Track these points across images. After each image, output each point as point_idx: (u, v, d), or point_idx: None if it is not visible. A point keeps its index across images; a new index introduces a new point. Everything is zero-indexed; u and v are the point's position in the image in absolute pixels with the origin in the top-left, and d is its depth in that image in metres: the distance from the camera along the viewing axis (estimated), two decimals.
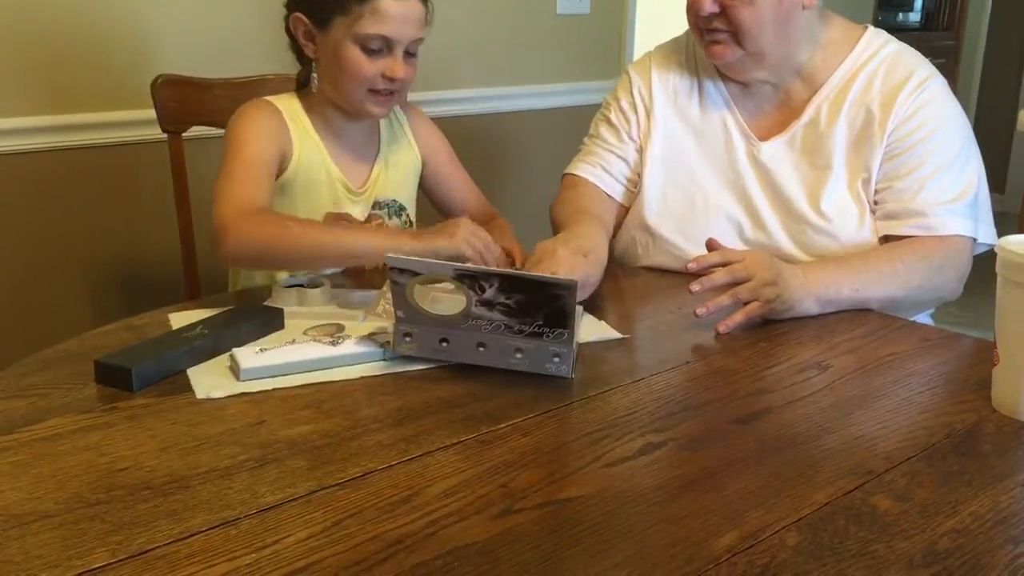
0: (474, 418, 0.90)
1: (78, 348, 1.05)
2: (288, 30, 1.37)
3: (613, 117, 1.46)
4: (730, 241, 1.31)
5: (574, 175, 1.47)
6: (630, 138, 1.44)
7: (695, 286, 1.13)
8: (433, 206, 1.55)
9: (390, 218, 1.45)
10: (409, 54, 1.32)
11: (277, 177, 1.35)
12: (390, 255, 0.97)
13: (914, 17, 4.57)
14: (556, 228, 1.39)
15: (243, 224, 1.21)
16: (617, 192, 1.44)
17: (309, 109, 1.39)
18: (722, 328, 1.14)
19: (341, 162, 1.40)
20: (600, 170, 1.44)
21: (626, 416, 0.91)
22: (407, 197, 1.48)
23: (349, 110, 1.37)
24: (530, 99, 2.47)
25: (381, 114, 1.38)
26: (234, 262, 1.24)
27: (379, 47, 1.29)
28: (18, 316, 1.77)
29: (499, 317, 0.97)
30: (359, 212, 1.41)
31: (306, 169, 1.36)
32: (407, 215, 1.48)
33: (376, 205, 1.43)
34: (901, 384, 1.01)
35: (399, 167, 1.47)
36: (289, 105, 1.38)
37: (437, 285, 1.05)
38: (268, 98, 1.39)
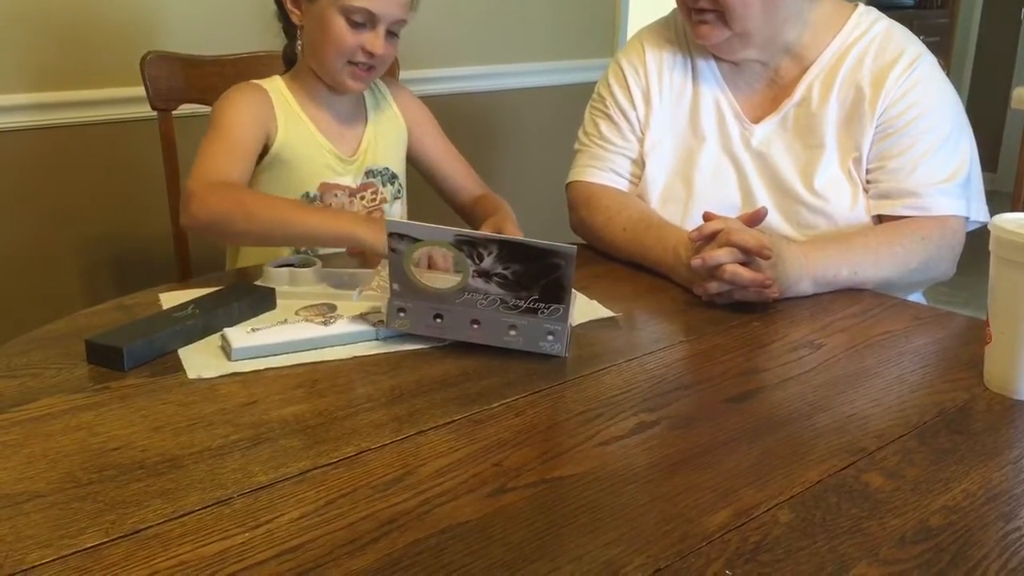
0: (467, 397, 0.90)
1: (69, 328, 1.05)
2: None
3: (614, 113, 1.42)
4: None
5: (588, 183, 1.42)
6: (633, 134, 1.41)
7: (696, 261, 1.13)
8: (423, 178, 1.54)
9: (384, 186, 1.45)
10: (391, 33, 1.34)
11: (263, 156, 1.36)
12: (390, 219, 0.98)
13: None
14: (619, 247, 1.34)
15: (207, 194, 1.23)
16: (629, 191, 1.42)
17: (294, 86, 1.41)
18: (718, 300, 1.14)
19: (329, 133, 1.41)
20: (613, 174, 1.41)
21: (619, 395, 0.92)
22: (397, 165, 1.49)
23: (328, 81, 1.39)
24: (525, 77, 2.45)
25: (357, 88, 1.39)
26: (193, 231, 1.26)
27: (363, 21, 1.31)
28: (8, 296, 1.76)
29: (495, 290, 0.97)
30: (351, 180, 1.42)
31: (293, 144, 1.37)
32: (399, 183, 1.48)
33: (369, 173, 1.44)
34: (893, 363, 1.01)
35: (386, 135, 1.48)
36: (273, 85, 1.40)
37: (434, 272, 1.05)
38: (254, 81, 1.40)
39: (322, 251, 1.35)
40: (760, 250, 1.11)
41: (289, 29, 1.41)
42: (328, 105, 1.42)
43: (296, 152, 1.37)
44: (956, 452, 0.82)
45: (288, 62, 1.45)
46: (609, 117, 1.43)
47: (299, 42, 1.39)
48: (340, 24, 1.31)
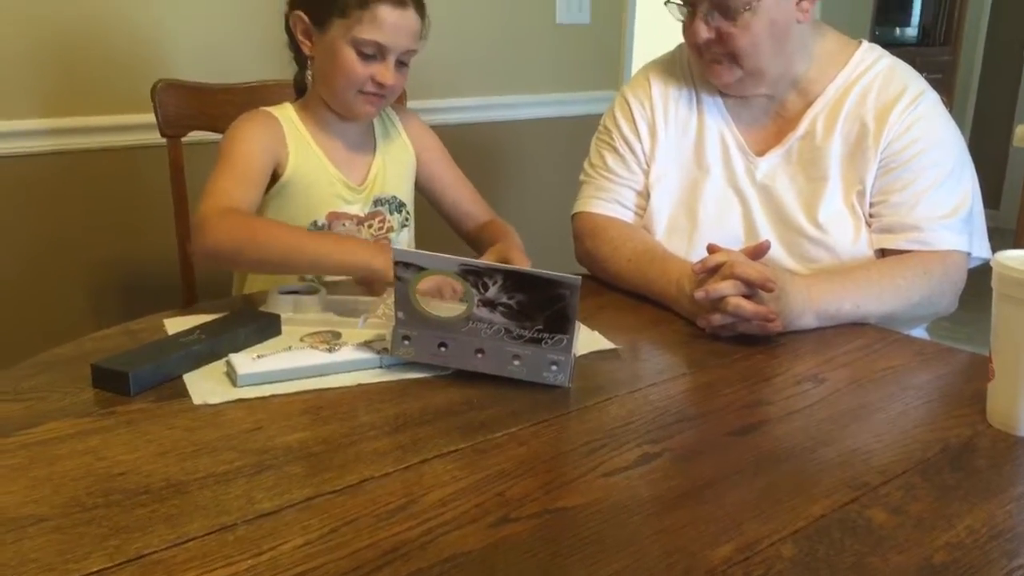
0: (471, 426, 0.90)
1: (76, 352, 1.05)
2: (288, 28, 1.39)
3: (619, 146, 1.43)
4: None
5: (593, 214, 1.42)
6: (638, 166, 1.42)
7: (699, 293, 1.14)
8: (431, 205, 1.55)
9: (391, 214, 1.47)
10: (401, 63, 1.36)
11: (273, 183, 1.37)
12: (396, 248, 0.99)
13: (911, 32, 4.60)
14: (623, 277, 1.34)
15: (219, 222, 1.23)
16: (634, 222, 1.42)
17: (304, 114, 1.42)
18: (721, 333, 1.14)
19: (339, 161, 1.42)
20: (618, 205, 1.42)
21: (623, 426, 0.92)
22: (405, 194, 1.50)
23: (339, 110, 1.41)
24: (530, 108, 2.47)
25: (369, 114, 1.41)
26: (205, 259, 1.25)
27: (373, 52, 1.33)
28: (16, 319, 1.76)
29: (499, 319, 0.98)
30: (359, 209, 1.43)
31: (304, 173, 1.38)
32: (407, 211, 1.49)
33: (377, 202, 1.45)
34: (896, 398, 1.01)
35: (395, 163, 1.49)
36: (284, 113, 1.41)
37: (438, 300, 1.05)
38: (265, 108, 1.41)
39: (328, 278, 1.36)
40: (763, 283, 1.12)
41: (300, 58, 1.43)
42: (338, 133, 1.43)
43: (306, 180, 1.38)
44: (959, 489, 0.81)
45: (299, 90, 1.47)
46: (615, 149, 1.44)
47: (309, 72, 1.41)
48: (350, 56, 1.32)
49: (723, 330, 1.15)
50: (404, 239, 1.50)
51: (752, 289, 1.12)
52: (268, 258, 1.24)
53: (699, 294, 1.14)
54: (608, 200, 1.43)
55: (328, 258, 1.23)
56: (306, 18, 1.35)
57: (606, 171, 1.44)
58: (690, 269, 1.21)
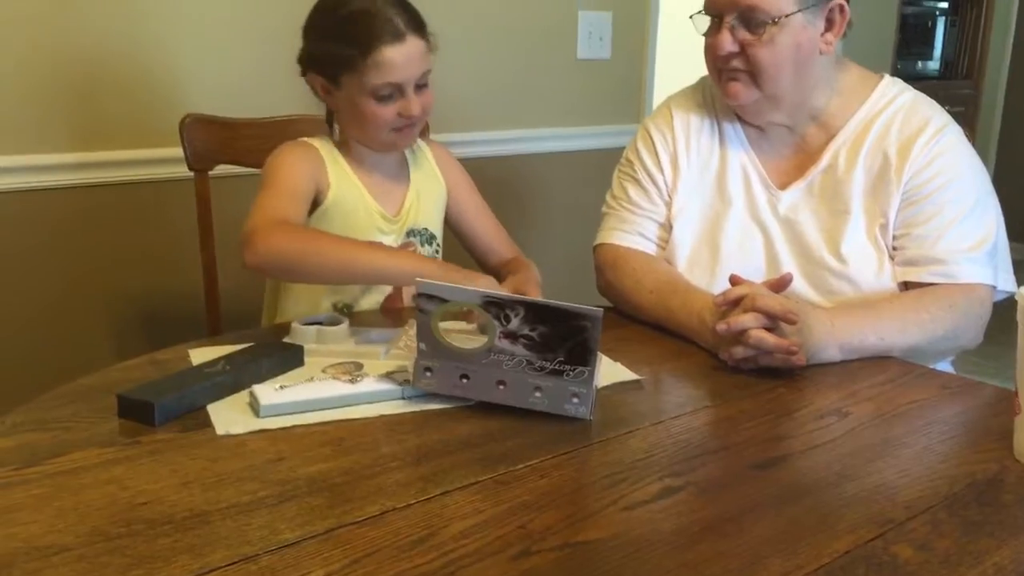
0: (492, 458, 0.90)
1: (101, 382, 1.06)
2: (306, 80, 1.42)
3: (642, 178, 1.44)
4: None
5: (616, 245, 1.43)
6: (660, 198, 1.43)
7: (722, 326, 1.13)
8: (456, 239, 1.56)
9: (422, 246, 1.48)
10: (420, 86, 1.37)
11: (313, 209, 1.39)
12: (420, 280, 0.99)
13: (933, 66, 4.59)
14: (645, 309, 1.34)
15: (273, 231, 1.25)
16: (656, 254, 1.43)
17: (341, 147, 1.45)
18: (726, 358, 1.14)
19: (376, 193, 1.44)
20: (640, 237, 1.43)
21: (644, 459, 0.91)
22: (436, 226, 1.52)
23: (376, 149, 1.43)
24: (551, 142, 2.49)
25: (406, 144, 1.44)
26: (259, 268, 1.25)
27: (390, 92, 1.34)
28: (43, 350, 1.79)
29: (521, 351, 0.98)
30: (393, 240, 1.44)
31: (343, 201, 1.40)
32: (436, 243, 1.50)
33: (409, 233, 1.46)
34: (921, 432, 1.00)
35: (428, 195, 1.50)
36: (323, 144, 1.43)
37: (460, 325, 1.06)
38: (302, 139, 1.44)
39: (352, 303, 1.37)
40: (785, 315, 1.11)
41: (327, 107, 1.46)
42: (374, 165, 1.45)
43: (346, 210, 1.40)
44: (986, 525, 0.80)
45: (330, 123, 1.48)
46: (637, 181, 1.45)
47: (335, 125, 1.44)
48: (371, 104, 1.34)
49: (745, 363, 1.15)
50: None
51: (774, 322, 1.12)
52: (326, 264, 1.24)
53: (721, 327, 1.14)
54: (630, 232, 1.43)
55: (384, 267, 1.25)
56: (319, 77, 1.39)
57: (628, 203, 1.45)
58: (712, 302, 1.21)
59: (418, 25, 1.35)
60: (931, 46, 4.54)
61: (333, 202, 1.39)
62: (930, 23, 4.48)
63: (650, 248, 1.43)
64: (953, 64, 4.71)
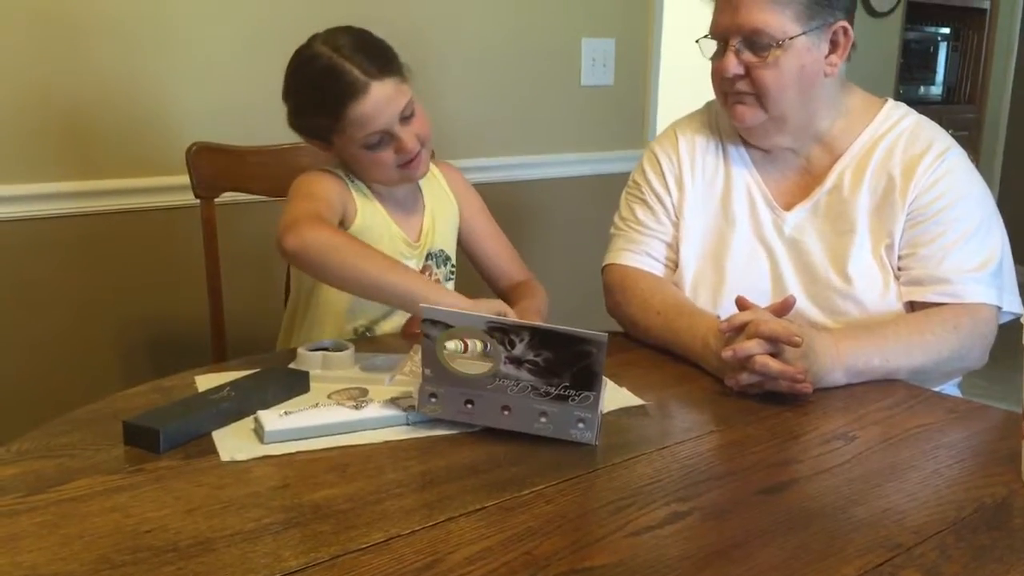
0: (498, 484, 0.90)
1: (107, 409, 1.06)
2: None
3: (649, 199, 1.45)
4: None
5: (624, 266, 1.44)
6: (668, 218, 1.44)
7: (727, 353, 1.13)
8: (468, 260, 1.57)
9: (438, 267, 1.49)
10: (406, 118, 1.35)
11: None
12: (425, 305, 0.99)
13: (936, 90, 4.61)
14: (652, 330, 1.35)
15: (320, 223, 1.25)
16: (664, 275, 1.43)
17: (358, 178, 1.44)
18: (732, 384, 1.14)
19: (398, 219, 1.45)
20: (648, 257, 1.43)
21: (651, 484, 0.91)
22: (450, 247, 1.52)
23: (391, 186, 1.44)
24: (556, 168, 2.50)
25: (419, 176, 1.44)
26: (296, 254, 1.23)
27: (379, 139, 1.35)
28: (48, 377, 1.79)
29: (526, 377, 0.98)
30: (415, 264, 1.45)
31: (370, 227, 1.41)
32: (451, 264, 1.51)
33: (427, 256, 1.47)
34: (929, 456, 1.00)
35: (443, 217, 1.51)
36: (344, 172, 1.43)
37: (465, 352, 1.06)
38: (324, 167, 1.44)
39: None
40: (789, 338, 1.11)
41: None
42: (390, 194, 1.45)
43: (371, 235, 1.40)
44: (995, 549, 0.80)
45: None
46: (644, 202, 1.46)
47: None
48: (366, 153, 1.36)
49: (751, 388, 1.15)
50: None
51: (778, 346, 1.12)
52: (358, 271, 1.23)
53: (726, 354, 1.13)
54: (638, 252, 1.44)
55: (413, 292, 1.21)
56: (311, 139, 1.41)
57: (636, 224, 1.46)
58: (717, 326, 1.21)
59: (382, 65, 1.33)
60: (933, 71, 4.56)
61: (360, 228, 1.39)
62: (932, 48, 4.51)
63: (658, 268, 1.43)
64: (956, 89, 4.72)
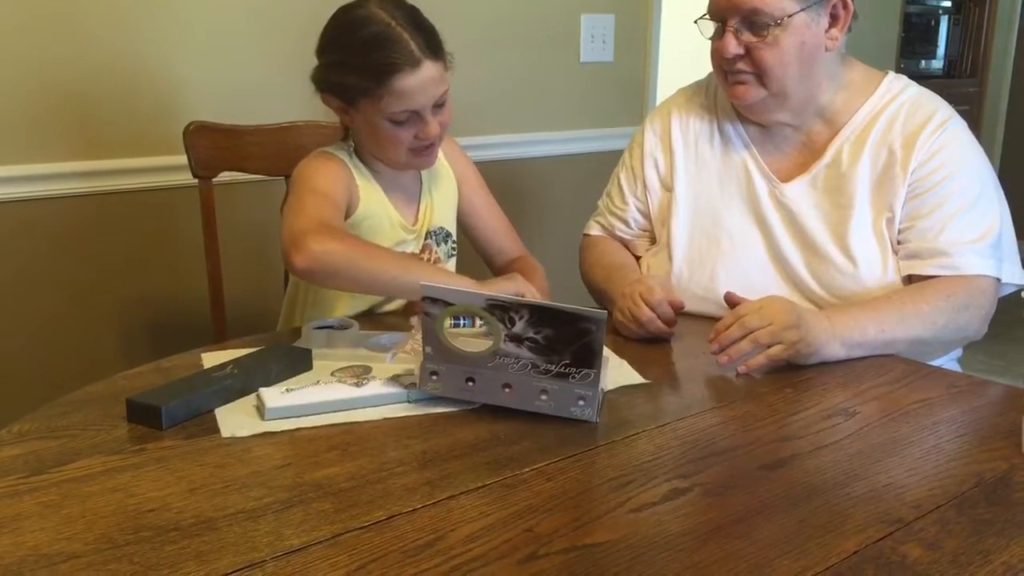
0: (499, 461, 0.90)
1: (108, 390, 1.07)
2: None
3: (627, 175, 1.52)
4: (756, 281, 1.32)
5: (592, 235, 1.57)
6: (646, 195, 1.49)
7: (715, 346, 1.14)
8: (464, 235, 1.56)
9: (438, 245, 1.48)
10: (438, 106, 1.35)
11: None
12: (425, 283, 0.99)
13: (937, 64, 4.58)
14: (596, 288, 1.47)
15: (326, 235, 1.23)
16: (634, 245, 1.53)
17: (361, 157, 1.43)
18: (742, 369, 1.14)
19: (398, 204, 1.44)
20: (617, 229, 1.53)
21: (651, 461, 0.91)
22: (451, 223, 1.51)
23: (394, 168, 1.42)
24: (555, 145, 2.49)
25: (426, 165, 1.42)
26: (308, 271, 1.23)
27: (407, 117, 1.32)
28: (48, 358, 1.79)
29: (526, 355, 0.98)
30: (414, 246, 1.44)
31: (371, 214, 1.40)
32: (452, 241, 1.51)
33: (427, 235, 1.47)
34: (929, 431, 1.00)
35: (442, 195, 1.50)
36: (346, 155, 1.41)
37: (466, 330, 1.06)
38: (326, 149, 1.42)
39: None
40: (734, 299, 1.21)
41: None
42: (392, 177, 1.43)
43: (372, 222, 1.39)
44: (995, 523, 0.80)
45: (347, 129, 1.45)
46: (624, 177, 1.52)
47: (351, 141, 1.42)
48: (388, 127, 1.33)
49: (748, 364, 1.14)
50: (451, 269, 1.50)
51: (744, 328, 1.14)
52: (373, 276, 1.23)
53: (722, 360, 1.14)
54: (607, 224, 1.54)
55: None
56: (334, 99, 1.37)
57: (616, 196, 1.54)
58: (635, 285, 1.30)
59: (434, 48, 1.32)
60: (935, 45, 4.53)
61: (362, 216, 1.38)
62: (933, 22, 4.48)
63: (627, 235, 1.52)
64: (957, 63, 4.69)
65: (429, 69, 1.30)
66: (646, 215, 1.49)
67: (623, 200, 1.51)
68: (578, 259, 1.58)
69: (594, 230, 1.57)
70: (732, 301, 1.21)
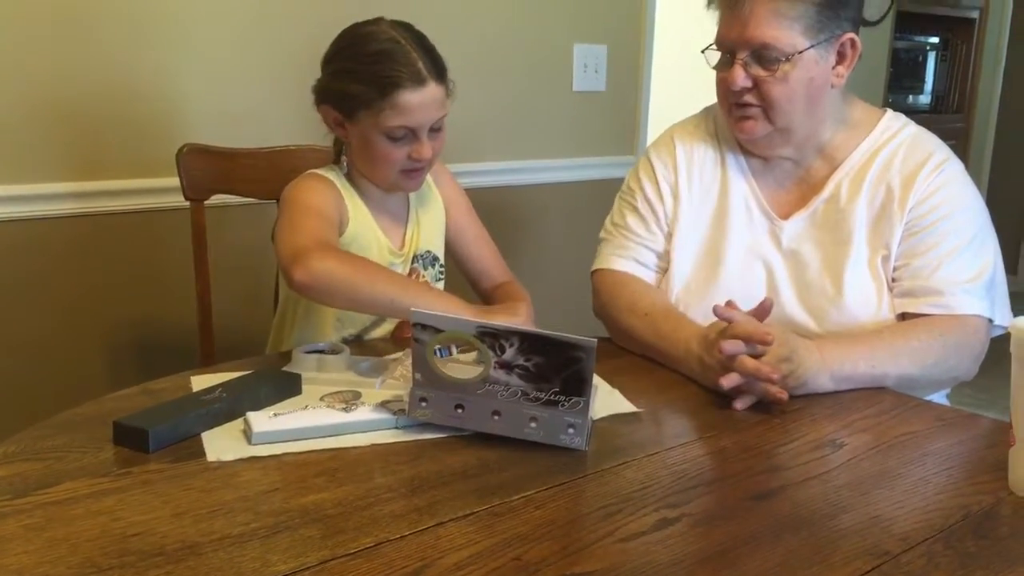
0: (487, 489, 0.90)
1: (94, 412, 1.06)
2: (318, 111, 1.42)
3: (641, 206, 1.45)
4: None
5: (614, 271, 1.44)
6: (659, 227, 1.43)
7: (725, 381, 1.12)
8: (451, 258, 1.56)
9: (425, 269, 1.48)
10: (434, 130, 1.37)
11: None
12: (415, 309, 0.99)
13: (924, 99, 4.64)
14: (636, 331, 1.34)
15: (326, 252, 1.24)
16: (652, 281, 1.44)
17: (350, 180, 1.44)
18: (739, 405, 1.14)
19: (385, 227, 1.44)
20: (636, 264, 1.43)
21: (640, 490, 0.91)
22: (438, 247, 1.52)
23: (383, 187, 1.43)
24: (548, 173, 2.50)
25: (414, 188, 1.44)
26: (307, 288, 1.23)
27: (404, 134, 1.34)
28: (37, 379, 1.78)
29: (516, 382, 0.98)
30: (400, 270, 1.45)
31: (359, 236, 1.40)
32: (440, 265, 1.51)
33: (414, 259, 1.47)
34: (917, 464, 1.00)
35: (429, 219, 1.51)
36: (336, 177, 1.43)
37: (457, 356, 1.06)
38: (316, 171, 1.43)
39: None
40: (762, 336, 1.12)
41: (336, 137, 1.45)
42: (380, 200, 1.45)
43: (360, 245, 1.40)
44: (982, 557, 0.80)
45: (338, 153, 1.47)
46: (636, 209, 1.46)
47: (344, 157, 1.43)
48: (383, 143, 1.34)
49: (738, 392, 1.14)
50: None
51: (753, 347, 1.13)
52: (373, 295, 1.24)
53: (725, 347, 1.13)
54: (627, 258, 1.44)
55: (429, 305, 1.20)
56: (333, 110, 1.38)
57: (627, 230, 1.46)
58: (699, 331, 1.21)
59: (440, 71, 1.35)
60: (922, 80, 4.59)
61: (351, 237, 1.39)
62: (921, 57, 4.53)
63: (647, 275, 1.43)
64: (944, 98, 4.75)
65: (432, 90, 1.33)
66: (666, 248, 1.43)
67: (648, 230, 1.44)
68: (593, 298, 1.47)
69: (619, 264, 1.43)
70: (723, 316, 1.19)
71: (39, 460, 0.93)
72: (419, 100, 1.32)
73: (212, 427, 1.01)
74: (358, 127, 1.36)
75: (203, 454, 0.95)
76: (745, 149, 1.42)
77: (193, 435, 0.99)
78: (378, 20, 1.36)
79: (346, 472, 0.93)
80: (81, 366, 1.83)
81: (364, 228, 1.41)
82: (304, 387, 1.14)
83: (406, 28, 1.36)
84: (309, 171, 1.43)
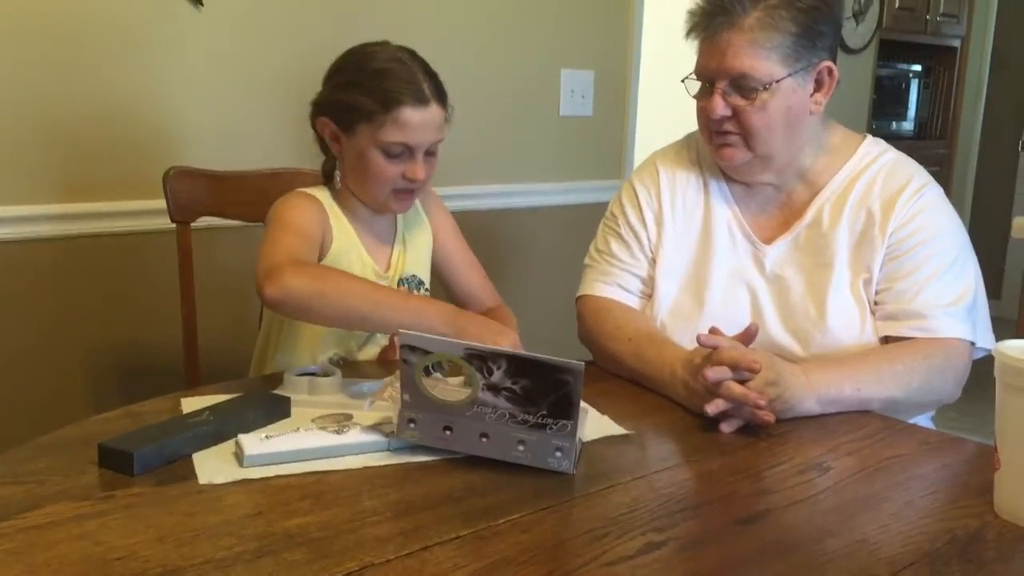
0: (474, 512, 0.89)
1: (77, 435, 1.05)
2: (314, 126, 1.42)
3: (625, 233, 1.45)
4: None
5: (598, 296, 1.44)
6: (642, 253, 1.44)
7: (711, 408, 1.12)
8: (438, 282, 1.56)
9: (410, 292, 1.47)
10: (429, 154, 1.39)
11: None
12: (403, 331, 0.99)
13: (908, 126, 4.69)
14: (621, 356, 1.34)
15: (298, 267, 1.24)
16: (637, 306, 1.44)
17: (338, 200, 1.44)
18: (726, 429, 1.14)
19: (369, 247, 1.45)
20: (620, 289, 1.44)
21: (627, 514, 0.91)
22: (424, 271, 1.52)
23: (372, 206, 1.43)
24: (534, 197, 2.51)
25: (402, 210, 1.44)
26: (279, 303, 1.24)
27: (400, 152, 1.35)
28: (19, 401, 1.76)
29: (504, 404, 0.98)
30: None
31: (342, 255, 1.41)
32: (425, 288, 1.51)
33: (399, 282, 1.47)
34: (902, 487, 1.00)
35: (416, 243, 1.51)
36: (324, 196, 1.43)
37: (445, 378, 1.06)
38: (304, 189, 1.43)
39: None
40: (749, 364, 1.12)
41: (327, 153, 1.46)
42: (367, 221, 1.45)
43: (343, 264, 1.40)
44: None
45: (326, 175, 1.48)
46: (620, 236, 1.46)
47: (338, 171, 1.43)
48: (378, 159, 1.35)
49: (724, 416, 1.14)
50: None
51: (743, 374, 1.13)
52: (347, 307, 1.24)
53: (697, 382, 1.14)
54: (611, 284, 1.45)
55: (403, 314, 1.23)
56: (332, 123, 1.39)
57: (611, 256, 1.46)
58: (685, 356, 1.22)
59: (441, 95, 1.37)
60: (905, 107, 4.64)
61: (334, 258, 1.39)
62: (904, 85, 4.59)
63: (631, 300, 1.44)
64: (927, 124, 4.81)
65: (434, 111, 1.35)
66: (650, 274, 1.44)
67: (632, 255, 1.44)
68: (578, 324, 1.47)
69: (603, 291, 1.44)
70: (707, 344, 1.18)
71: (19, 484, 0.92)
72: (420, 119, 1.33)
73: (198, 450, 1.00)
74: (355, 141, 1.37)
75: (189, 477, 0.95)
76: (727, 175, 1.43)
77: (179, 458, 0.98)
78: (384, 43, 1.39)
79: (332, 495, 0.92)
80: (65, 388, 1.81)
81: (348, 248, 1.41)
82: (296, 410, 1.13)
83: (411, 53, 1.39)
84: (297, 189, 1.44)
